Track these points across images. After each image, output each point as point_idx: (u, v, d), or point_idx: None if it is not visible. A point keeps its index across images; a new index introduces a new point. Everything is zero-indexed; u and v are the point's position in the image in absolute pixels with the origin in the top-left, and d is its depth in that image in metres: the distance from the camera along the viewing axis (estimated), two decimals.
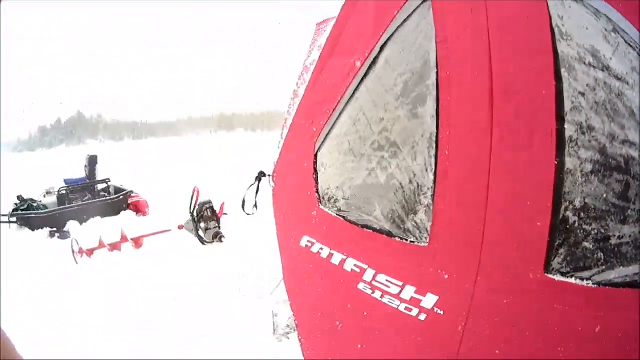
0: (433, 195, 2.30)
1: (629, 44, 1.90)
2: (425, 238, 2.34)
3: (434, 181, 2.29)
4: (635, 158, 1.90)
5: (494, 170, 2.11)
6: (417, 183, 2.37)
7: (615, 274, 1.94)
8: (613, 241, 1.95)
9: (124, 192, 12.67)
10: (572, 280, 2.01)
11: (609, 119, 1.94)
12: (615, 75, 1.93)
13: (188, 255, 7.58)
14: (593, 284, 1.97)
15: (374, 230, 2.58)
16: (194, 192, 8.29)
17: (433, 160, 2.29)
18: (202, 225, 8.27)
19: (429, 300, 2.31)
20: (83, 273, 7.35)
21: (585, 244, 2.00)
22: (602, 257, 1.97)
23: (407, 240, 2.43)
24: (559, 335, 2.04)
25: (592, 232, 1.99)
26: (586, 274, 2.00)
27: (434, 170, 2.29)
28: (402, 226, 2.46)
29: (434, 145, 2.29)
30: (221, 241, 8.07)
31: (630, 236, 1.91)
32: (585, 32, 1.99)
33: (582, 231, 2.00)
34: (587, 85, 1.98)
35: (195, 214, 8.24)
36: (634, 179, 1.91)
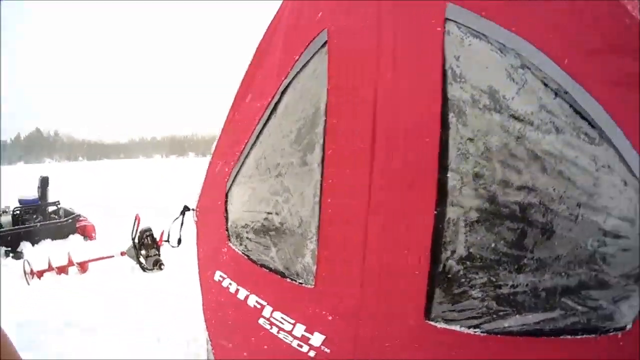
0: (317, 241, 2.38)
1: (541, 80, 1.80)
2: (312, 280, 2.43)
3: (318, 227, 2.37)
4: (534, 204, 1.83)
5: (372, 220, 2.16)
6: (304, 228, 2.48)
7: (511, 322, 1.91)
8: (505, 290, 1.91)
9: (73, 216, 12.68)
10: (457, 328, 1.99)
11: (502, 165, 1.88)
12: (516, 117, 1.85)
13: (131, 282, 7.68)
14: (482, 332, 1.95)
15: (270, 270, 2.71)
16: (135, 219, 8.40)
17: (317, 207, 2.37)
18: (143, 252, 8.37)
19: (317, 339, 2.40)
20: (34, 294, 7.42)
21: (472, 292, 1.98)
22: (494, 305, 1.94)
23: (296, 281, 2.54)
24: None
25: (480, 281, 1.96)
26: (474, 322, 1.98)
27: (318, 217, 2.37)
28: (292, 268, 2.58)
29: (319, 193, 2.36)
30: (161, 269, 8.20)
31: (527, 285, 1.87)
32: (484, 72, 1.92)
33: (467, 280, 1.99)
34: (479, 130, 1.93)
35: (136, 240, 8.35)
36: (532, 226, 1.84)
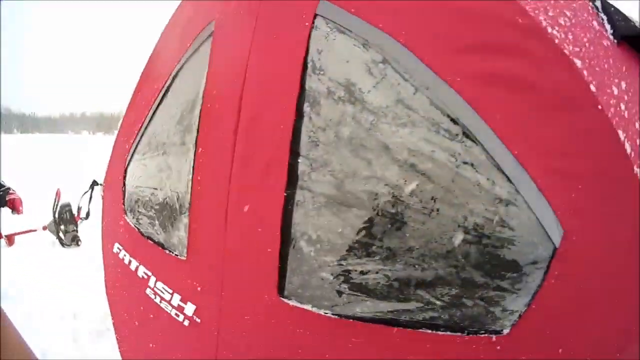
0: (189, 216, 2.52)
1: (401, 75, 1.84)
2: (185, 252, 2.55)
3: (190, 203, 2.50)
4: (382, 194, 1.86)
5: (232, 199, 2.28)
6: (180, 203, 2.62)
7: (363, 308, 1.95)
8: (355, 275, 1.95)
9: (3, 189, 12.53)
10: (309, 308, 2.07)
11: (352, 154, 1.93)
12: (370, 109, 1.89)
13: (55, 256, 7.72)
14: (333, 314, 2.01)
15: (154, 242, 2.86)
16: (56, 194, 8.42)
17: (190, 184, 2.50)
18: (62, 227, 8.39)
19: (190, 309, 2.53)
20: None
21: (323, 274, 2.04)
22: (345, 289, 1.99)
23: (173, 253, 2.68)
24: (300, 356, 2.12)
25: (329, 264, 2.01)
26: (325, 303, 2.04)
27: (190, 193, 2.50)
28: (170, 241, 2.72)
29: (192, 171, 2.49)
30: (78, 245, 8.24)
31: (377, 272, 1.90)
32: (344, 66, 1.98)
33: (317, 262, 2.04)
34: (331, 120, 1.99)
35: (56, 215, 8.37)
36: (380, 215, 1.88)
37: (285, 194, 2.10)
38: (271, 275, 2.17)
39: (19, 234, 8.73)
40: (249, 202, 2.26)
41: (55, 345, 4.60)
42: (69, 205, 8.66)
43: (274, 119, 2.16)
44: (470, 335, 1.78)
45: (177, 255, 2.67)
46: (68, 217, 8.59)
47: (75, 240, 8.43)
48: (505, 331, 1.73)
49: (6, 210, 12.11)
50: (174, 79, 2.84)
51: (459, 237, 1.77)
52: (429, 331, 1.84)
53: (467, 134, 1.74)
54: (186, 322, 2.59)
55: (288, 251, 2.12)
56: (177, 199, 2.69)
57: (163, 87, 2.90)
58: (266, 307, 2.22)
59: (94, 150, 37.59)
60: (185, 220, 2.60)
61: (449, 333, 1.82)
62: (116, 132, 3.47)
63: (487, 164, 1.72)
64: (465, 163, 1.75)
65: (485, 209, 1.73)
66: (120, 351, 3.44)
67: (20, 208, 12.35)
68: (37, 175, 19.22)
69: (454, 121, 1.76)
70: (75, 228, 8.63)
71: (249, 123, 2.26)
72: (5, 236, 8.59)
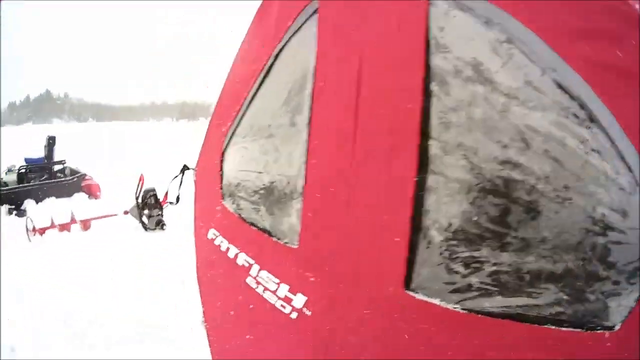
0: (302, 201, 2.41)
1: (527, 56, 1.73)
2: (296, 240, 2.45)
3: (303, 188, 2.40)
4: (519, 181, 1.75)
5: (354, 183, 2.16)
6: (291, 188, 2.52)
7: (492, 303, 1.83)
8: (488, 267, 1.82)
9: (78, 175, 12.89)
10: (437, 302, 1.92)
11: (485, 137, 1.81)
12: (501, 90, 1.78)
13: (134, 241, 7.80)
14: (462, 309, 1.87)
15: (259, 228, 2.75)
16: (139, 179, 8.53)
17: (304, 167, 2.39)
18: (146, 212, 8.53)
19: (299, 300, 2.42)
20: (35, 250, 7.57)
21: (454, 266, 1.90)
22: (476, 282, 1.85)
23: (282, 240, 2.57)
24: (422, 354, 1.98)
25: (462, 255, 1.88)
26: (454, 297, 1.90)
27: (304, 178, 2.39)
28: (278, 228, 2.62)
29: (305, 154, 2.38)
30: (163, 229, 8.35)
31: (510, 265, 1.77)
32: (469, 44, 1.87)
33: (449, 252, 1.91)
34: (461, 100, 1.87)
35: (139, 200, 8.48)
36: (516, 203, 1.76)
37: (415, 179, 1.96)
38: (398, 267, 2.02)
39: (97, 218, 8.86)
40: (373, 188, 2.12)
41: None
42: (153, 190, 8.82)
43: (399, 98, 2.02)
44: (588, 331, 1.68)
45: (286, 242, 2.56)
46: (153, 201, 8.77)
47: (159, 225, 8.57)
48: (617, 327, 1.63)
49: (82, 196, 12.53)
50: (275, 58, 2.74)
51: (588, 229, 1.65)
52: (553, 327, 1.73)
53: (593, 120, 1.63)
54: (293, 315, 2.47)
55: (418, 241, 1.98)
56: (288, 183, 2.58)
57: (263, 68, 2.80)
58: (389, 301, 2.07)
59: (178, 136, 38.35)
60: (297, 205, 2.49)
61: (571, 329, 1.71)
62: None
63: (612, 152, 1.60)
64: (593, 150, 1.64)
65: (611, 199, 1.61)
66: (209, 340, 3.36)
67: (98, 193, 12.78)
68: (116, 162, 19.62)
69: (582, 106, 1.64)
70: (160, 212, 8.79)
71: (370, 103, 2.14)
72: (81, 221, 8.71)
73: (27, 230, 8.41)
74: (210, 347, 3.35)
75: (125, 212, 8.86)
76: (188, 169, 3.62)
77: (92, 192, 12.71)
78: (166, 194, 8.99)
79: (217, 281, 3.18)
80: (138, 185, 8.63)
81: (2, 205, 11.47)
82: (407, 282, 2.01)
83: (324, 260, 2.34)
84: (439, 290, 1.95)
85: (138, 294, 5.51)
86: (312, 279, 2.39)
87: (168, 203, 8.93)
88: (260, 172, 2.80)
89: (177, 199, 3.86)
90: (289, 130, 2.59)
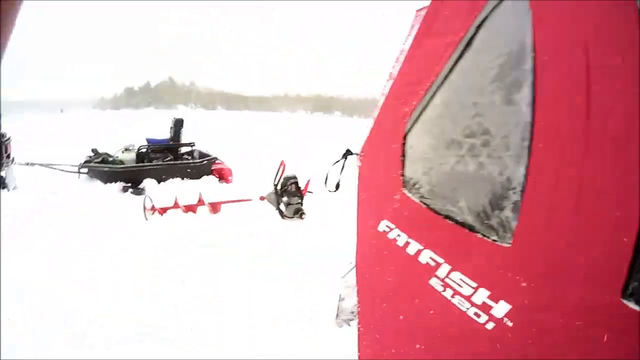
0: (522, 192, 2.14)
1: None
2: (509, 238, 2.18)
3: (525, 176, 2.13)
4: None
5: (587, 171, 1.93)
6: (507, 176, 2.23)
7: None
8: None
9: (209, 158, 13.10)
10: None
11: None
12: None
13: (264, 228, 7.80)
14: None
15: (456, 222, 2.46)
16: (280, 165, 8.46)
17: (526, 152, 2.13)
18: (285, 199, 8.54)
19: (501, 309, 2.17)
20: (152, 229, 7.79)
21: None
22: None
23: (488, 237, 2.28)
24: None
25: None
26: None
27: (526, 164, 2.13)
28: (485, 221, 2.33)
29: (528, 136, 2.13)
30: (302, 218, 8.30)
31: None
32: None
33: None
34: None
35: (279, 187, 8.42)
36: None
37: None
38: (619, 271, 1.82)
39: (229, 202, 8.88)
40: (606, 178, 1.89)
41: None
42: (294, 177, 8.76)
43: (633, 77, 1.79)
44: None
45: (495, 240, 2.27)
46: (293, 189, 8.71)
47: (298, 213, 8.49)
48: None
49: (212, 179, 12.74)
50: (477, 29, 2.46)
51: None
52: None
53: None
54: (489, 325, 2.21)
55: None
56: (502, 171, 2.28)
57: (461, 39, 2.53)
58: (604, 310, 1.88)
59: (313, 127, 39.08)
60: (514, 197, 2.20)
61: None
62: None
63: None
64: None
65: None
66: (360, 345, 3.14)
67: (230, 178, 12.95)
68: (248, 149, 20.05)
69: None
70: (299, 201, 8.73)
71: (600, 79, 1.90)
72: (209, 203, 8.75)
73: (145, 209, 8.48)
74: (360, 351, 3.14)
75: (262, 198, 8.87)
76: (351, 153, 3.34)
77: (223, 176, 12.90)
78: (307, 183, 8.94)
79: (387, 280, 2.94)
80: (278, 172, 8.57)
81: (115, 182, 11.83)
82: (624, 290, 1.82)
83: (541, 263, 2.09)
84: None
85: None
86: (523, 284, 2.12)
87: (308, 193, 8.88)
88: (462, 157, 2.50)
89: (337, 186, 3.61)
90: (504, 109, 2.32)
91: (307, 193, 9.01)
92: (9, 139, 11.15)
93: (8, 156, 11.10)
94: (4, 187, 10.45)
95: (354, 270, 4.48)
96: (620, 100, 1.85)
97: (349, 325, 4.53)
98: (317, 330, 4.70)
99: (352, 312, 4.52)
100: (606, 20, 1.92)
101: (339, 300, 4.75)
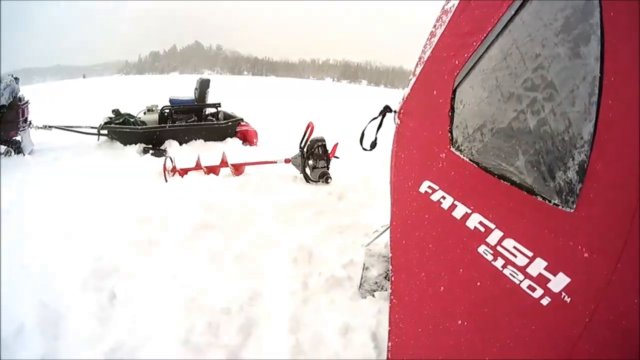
0: (590, 151, 1.99)
1: None
2: (572, 203, 2.03)
3: (593, 134, 1.98)
4: None
5: None
6: (573, 133, 2.08)
7: None
8: None
9: (234, 119, 12.98)
10: None
11: None
12: None
13: (286, 192, 7.77)
14: None
15: (512, 183, 2.32)
16: (308, 127, 8.34)
17: (594, 108, 1.98)
18: (311, 162, 8.43)
19: (559, 282, 2.03)
20: (172, 190, 7.74)
21: None
22: None
23: (550, 201, 2.14)
24: None
25: None
26: None
27: (594, 121, 1.98)
28: (547, 183, 2.18)
29: (597, 92, 1.98)
30: (327, 182, 8.24)
31: None
32: None
33: None
34: None
35: (305, 149, 8.31)
36: None
37: None
38: None
39: (254, 164, 8.79)
40: None
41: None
42: (322, 140, 8.65)
43: None
44: None
45: (557, 205, 2.11)
46: (320, 152, 8.59)
47: (324, 177, 8.38)
48: None
49: (236, 142, 12.67)
50: None
51: None
52: None
53: None
54: (545, 301, 2.07)
55: None
56: (567, 128, 2.12)
57: None
58: None
59: (340, 94, 39.07)
60: (579, 157, 2.04)
61: None
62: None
63: None
64: None
65: None
66: (391, 320, 3.01)
67: (255, 140, 12.87)
68: (273, 112, 20.11)
69: None
70: (325, 164, 8.58)
71: None
72: (232, 165, 8.68)
73: (165, 170, 8.41)
74: (391, 326, 3.02)
75: (287, 161, 8.77)
76: (390, 110, 3.19)
77: (248, 138, 12.82)
78: (335, 146, 8.81)
79: (427, 246, 2.81)
80: (305, 134, 8.43)
81: (135, 144, 11.78)
82: None
83: (608, 230, 1.94)
84: None
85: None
86: (585, 255, 1.98)
87: (334, 158, 8.76)
88: (521, 112, 2.35)
89: (373, 145, 3.47)
90: (570, 62, 2.17)
91: (333, 157, 8.89)
92: (26, 102, 11.27)
93: (25, 120, 11.25)
94: (19, 152, 10.56)
95: (379, 238, 4.37)
96: None
97: (372, 295, 4.49)
98: (342, 299, 4.65)
99: (376, 283, 4.51)
100: None
101: (363, 270, 4.70)
